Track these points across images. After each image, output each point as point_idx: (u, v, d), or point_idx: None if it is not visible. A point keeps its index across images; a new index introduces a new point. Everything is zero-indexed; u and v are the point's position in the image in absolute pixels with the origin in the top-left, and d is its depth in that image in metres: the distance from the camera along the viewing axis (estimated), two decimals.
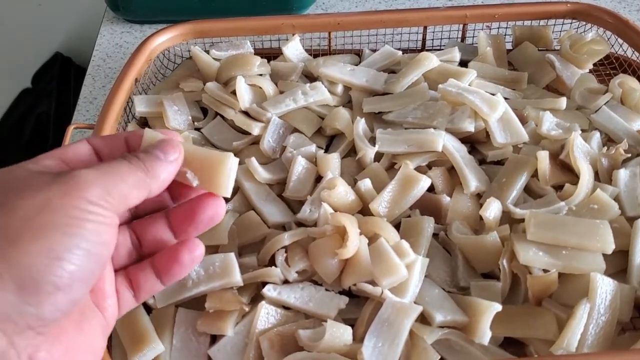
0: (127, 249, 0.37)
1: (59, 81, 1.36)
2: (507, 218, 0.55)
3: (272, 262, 0.53)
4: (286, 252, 0.53)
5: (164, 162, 0.34)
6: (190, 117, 0.66)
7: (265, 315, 0.50)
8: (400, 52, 0.72)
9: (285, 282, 0.52)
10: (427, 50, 0.75)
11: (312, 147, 0.62)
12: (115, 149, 0.36)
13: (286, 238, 0.52)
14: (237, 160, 0.37)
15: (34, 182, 0.31)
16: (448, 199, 0.57)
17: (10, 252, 0.28)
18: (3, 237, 0.29)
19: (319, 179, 0.60)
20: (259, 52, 0.73)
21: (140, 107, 0.66)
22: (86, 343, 0.33)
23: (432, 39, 0.76)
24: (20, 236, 0.29)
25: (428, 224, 0.54)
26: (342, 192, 0.55)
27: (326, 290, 0.52)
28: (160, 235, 0.37)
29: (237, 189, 0.60)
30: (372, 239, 0.52)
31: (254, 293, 0.52)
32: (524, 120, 0.62)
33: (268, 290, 0.51)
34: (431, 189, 0.58)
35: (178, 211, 0.38)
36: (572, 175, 0.58)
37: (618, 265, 0.52)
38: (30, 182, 0.31)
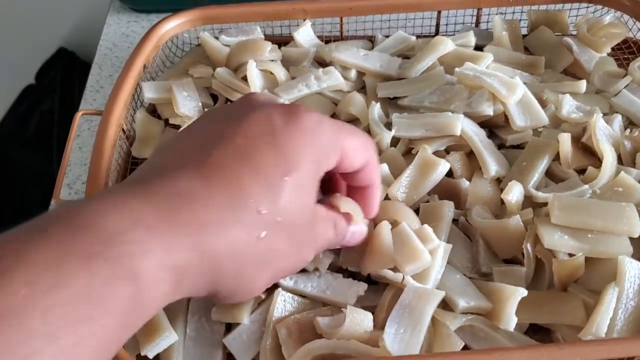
0: None
1: (63, 77, 1.35)
2: (528, 202, 0.53)
3: None
4: None
5: None
6: (200, 104, 0.65)
7: (282, 303, 0.48)
8: (414, 37, 0.71)
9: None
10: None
11: None
12: None
13: None
14: None
15: None
16: (467, 183, 0.55)
17: None
18: None
19: None
20: (269, 38, 0.71)
21: (149, 93, 0.65)
22: None
23: (446, 24, 0.75)
24: None
25: (448, 209, 0.52)
26: None
27: (344, 277, 0.50)
28: None
29: None
30: (392, 225, 0.50)
31: None
32: (543, 104, 0.60)
33: (284, 280, 0.49)
34: (449, 174, 0.56)
35: None
36: (594, 159, 0.56)
37: None
38: None
